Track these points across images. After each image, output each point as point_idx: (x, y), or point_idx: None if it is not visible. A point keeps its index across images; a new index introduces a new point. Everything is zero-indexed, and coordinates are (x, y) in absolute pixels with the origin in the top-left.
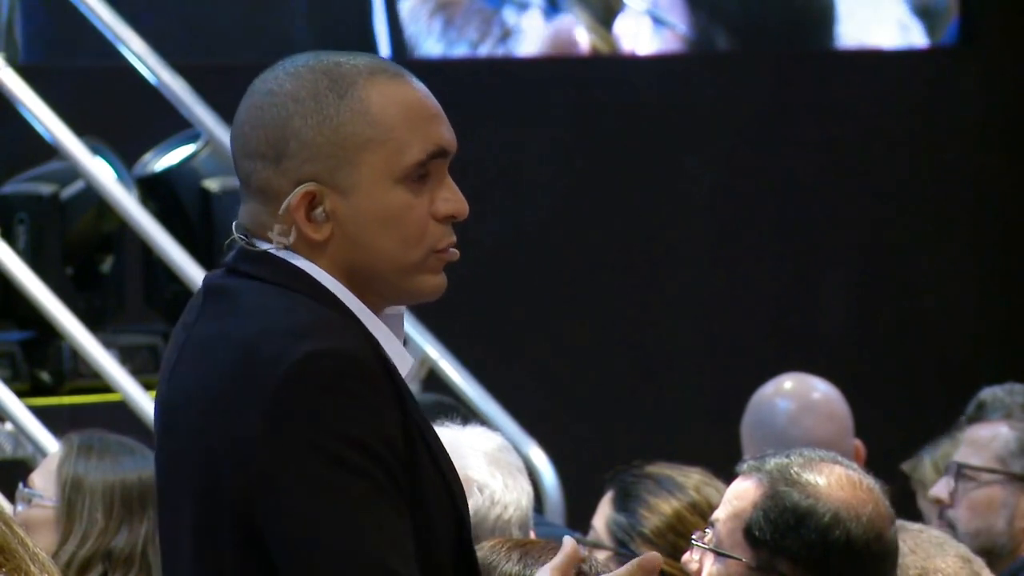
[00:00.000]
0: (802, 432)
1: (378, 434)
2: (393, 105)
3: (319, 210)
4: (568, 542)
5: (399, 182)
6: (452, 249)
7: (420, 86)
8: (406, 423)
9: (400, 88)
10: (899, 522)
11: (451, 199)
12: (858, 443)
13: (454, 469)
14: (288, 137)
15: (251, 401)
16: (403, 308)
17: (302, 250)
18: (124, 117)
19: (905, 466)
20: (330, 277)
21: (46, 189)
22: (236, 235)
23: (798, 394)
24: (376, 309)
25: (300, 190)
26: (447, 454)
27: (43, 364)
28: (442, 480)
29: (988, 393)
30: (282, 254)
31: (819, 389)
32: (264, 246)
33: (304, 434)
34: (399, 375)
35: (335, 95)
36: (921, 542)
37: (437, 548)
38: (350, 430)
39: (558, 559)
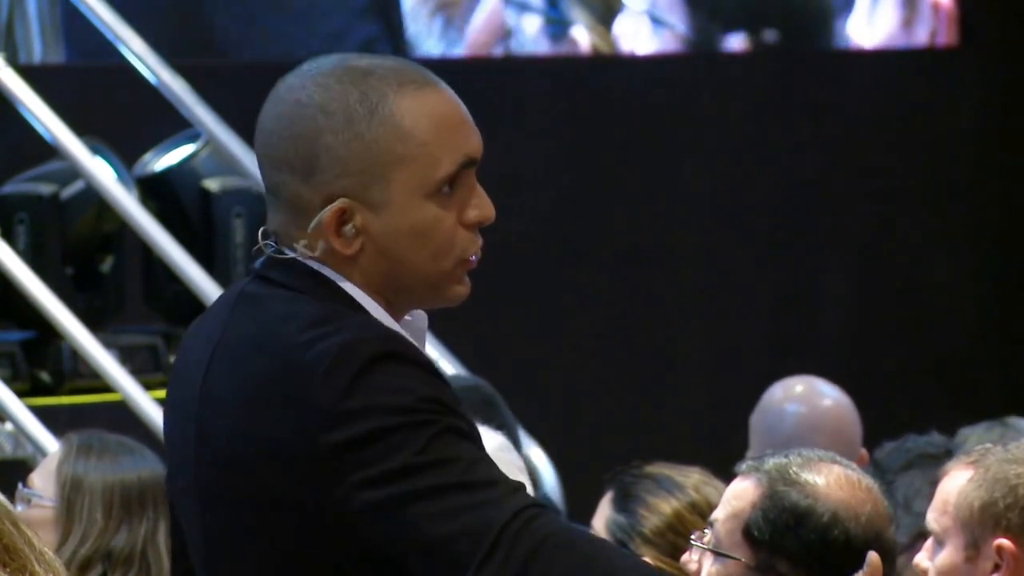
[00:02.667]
0: (808, 446)
1: (442, 389)
2: (423, 118)
3: (349, 226)
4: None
5: (430, 196)
6: (474, 256)
7: (446, 92)
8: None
9: (429, 98)
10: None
11: (479, 205)
12: (863, 452)
13: None
14: (319, 152)
15: (297, 399)
16: (426, 323)
17: (329, 262)
18: (124, 117)
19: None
20: (356, 288)
21: (46, 189)
22: (263, 242)
23: (808, 405)
24: (399, 317)
25: (333, 207)
26: None
27: (43, 364)
28: None
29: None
30: (310, 263)
31: (830, 397)
32: (293, 254)
33: (369, 409)
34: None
35: (365, 109)
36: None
37: None
38: (414, 391)
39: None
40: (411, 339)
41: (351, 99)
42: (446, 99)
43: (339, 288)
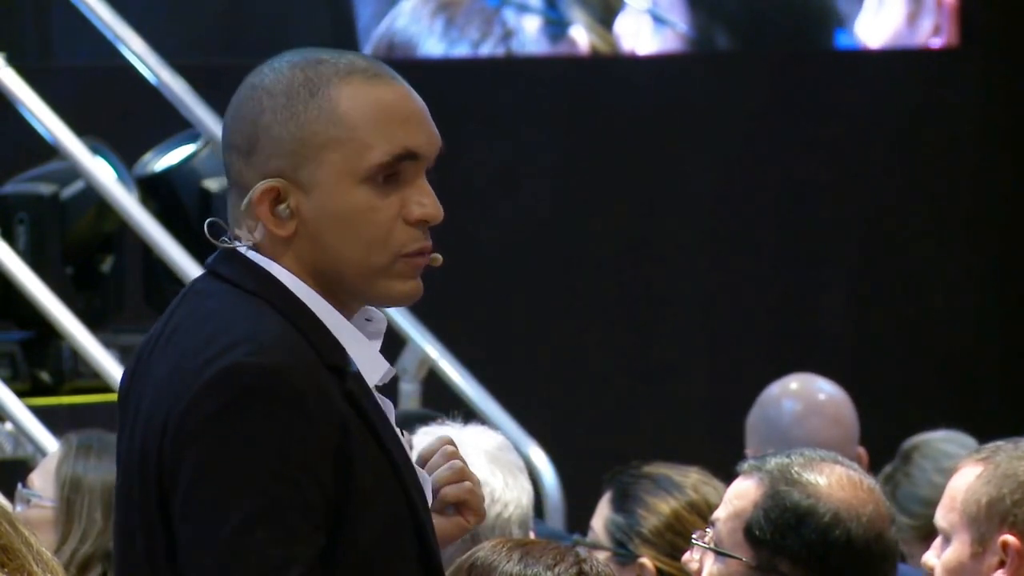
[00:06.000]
0: (806, 433)
1: (289, 455)
2: (362, 106)
3: (283, 206)
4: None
5: (362, 183)
6: (431, 255)
7: (401, 88)
8: (345, 440)
9: (374, 89)
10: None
11: (425, 203)
12: (861, 450)
13: (418, 481)
14: (258, 132)
15: (179, 402)
16: (384, 325)
17: (269, 248)
18: (124, 117)
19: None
20: (297, 280)
21: (46, 189)
22: (220, 233)
23: (805, 397)
24: (352, 310)
25: (262, 185)
26: (411, 464)
27: (43, 364)
28: (402, 493)
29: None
30: (250, 254)
31: (826, 391)
32: (236, 244)
33: (212, 443)
34: (360, 383)
35: (307, 92)
36: None
37: (381, 557)
38: (256, 447)
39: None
40: (361, 333)
41: (296, 82)
42: (397, 93)
43: (280, 284)
